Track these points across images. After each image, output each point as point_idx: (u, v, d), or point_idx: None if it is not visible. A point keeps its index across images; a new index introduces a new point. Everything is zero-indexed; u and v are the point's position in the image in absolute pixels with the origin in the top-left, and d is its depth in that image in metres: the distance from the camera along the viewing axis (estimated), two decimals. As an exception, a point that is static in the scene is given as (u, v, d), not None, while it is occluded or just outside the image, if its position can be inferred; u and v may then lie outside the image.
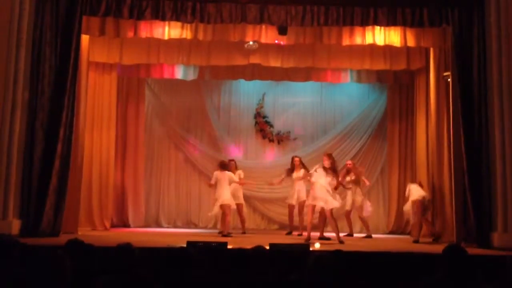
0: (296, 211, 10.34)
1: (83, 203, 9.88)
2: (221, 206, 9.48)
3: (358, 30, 9.29)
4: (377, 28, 9.22)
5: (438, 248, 8.03)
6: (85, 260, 3.88)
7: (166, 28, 9.25)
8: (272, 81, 11.82)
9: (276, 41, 9.68)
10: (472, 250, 6.13)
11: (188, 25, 9.15)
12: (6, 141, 8.04)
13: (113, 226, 10.71)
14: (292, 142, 12.16)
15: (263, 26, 9.27)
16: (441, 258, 3.48)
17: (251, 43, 9.78)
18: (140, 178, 11.51)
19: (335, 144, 12.07)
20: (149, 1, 8.68)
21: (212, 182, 9.68)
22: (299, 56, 10.44)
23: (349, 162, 10.60)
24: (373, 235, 10.27)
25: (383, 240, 10.05)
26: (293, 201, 10.25)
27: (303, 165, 10.13)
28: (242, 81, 11.85)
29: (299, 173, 10.12)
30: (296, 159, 10.31)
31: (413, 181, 10.44)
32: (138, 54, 10.31)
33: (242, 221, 10.33)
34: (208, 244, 6.81)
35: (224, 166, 9.82)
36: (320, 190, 8.83)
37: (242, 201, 10.23)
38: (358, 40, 9.40)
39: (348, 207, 10.28)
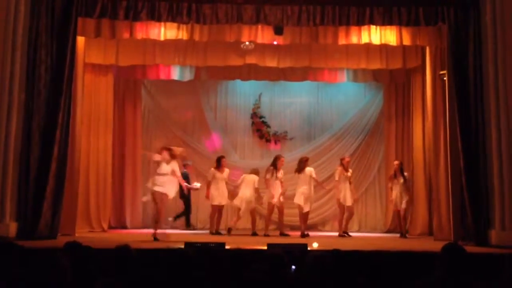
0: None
1: (81, 204, 9.85)
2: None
3: (354, 29, 9.30)
4: (373, 27, 9.23)
5: (436, 247, 8.06)
6: (83, 262, 3.87)
7: (162, 29, 9.25)
8: (269, 81, 11.83)
9: (275, 42, 9.71)
10: (470, 248, 6.13)
11: (184, 25, 9.15)
12: (2, 143, 8.00)
13: (110, 227, 10.70)
14: (289, 142, 12.17)
15: (259, 26, 9.27)
16: (440, 256, 3.47)
17: (247, 43, 9.79)
18: (137, 179, 11.50)
19: (332, 144, 12.10)
20: (144, 2, 8.67)
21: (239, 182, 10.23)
22: (295, 56, 10.45)
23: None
24: (371, 234, 10.28)
25: (381, 239, 10.06)
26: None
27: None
28: (238, 81, 11.85)
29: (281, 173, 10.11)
30: (282, 159, 10.18)
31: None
32: (134, 55, 10.32)
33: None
34: (206, 244, 6.81)
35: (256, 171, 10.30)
36: None
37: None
38: (354, 40, 9.42)
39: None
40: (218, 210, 10.11)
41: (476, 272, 3.58)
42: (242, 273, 3.78)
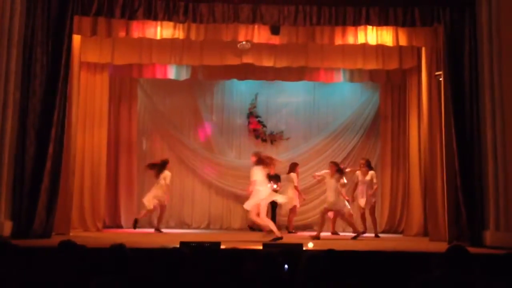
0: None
1: (75, 204, 9.83)
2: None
3: (350, 29, 9.31)
4: (369, 27, 9.24)
5: (431, 247, 8.08)
6: (78, 261, 3.85)
7: (158, 28, 9.23)
8: (265, 81, 11.81)
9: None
10: (465, 249, 6.14)
11: (181, 25, 9.13)
12: (-3, 142, 7.99)
13: (105, 227, 10.67)
14: (285, 142, 12.17)
15: (256, 26, 9.27)
16: (444, 257, 3.51)
17: (243, 43, 9.77)
18: (132, 178, 11.47)
19: (328, 144, 12.11)
20: (141, 1, 8.65)
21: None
22: (291, 55, 10.44)
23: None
24: (366, 235, 10.26)
25: (376, 239, 10.07)
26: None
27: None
28: (235, 81, 11.84)
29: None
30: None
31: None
32: (130, 54, 10.27)
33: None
34: (201, 244, 6.81)
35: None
36: None
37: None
38: (350, 40, 9.42)
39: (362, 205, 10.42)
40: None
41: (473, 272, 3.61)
42: (236, 273, 3.78)
